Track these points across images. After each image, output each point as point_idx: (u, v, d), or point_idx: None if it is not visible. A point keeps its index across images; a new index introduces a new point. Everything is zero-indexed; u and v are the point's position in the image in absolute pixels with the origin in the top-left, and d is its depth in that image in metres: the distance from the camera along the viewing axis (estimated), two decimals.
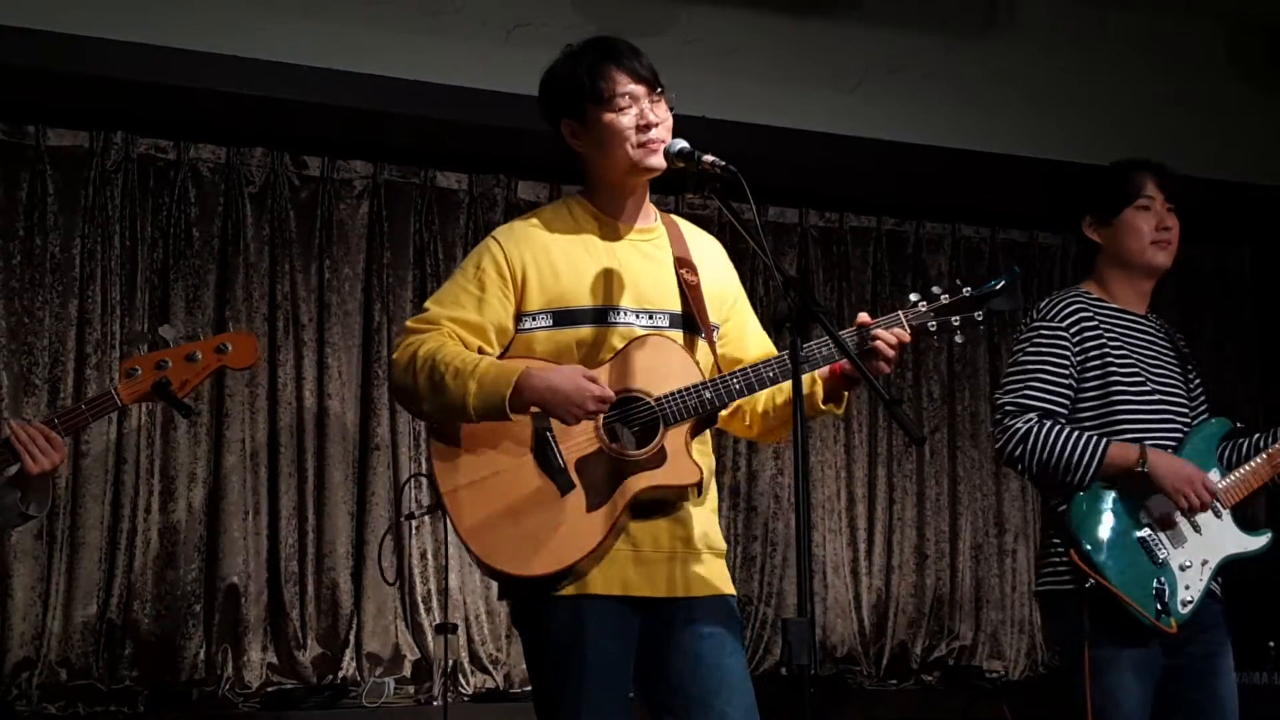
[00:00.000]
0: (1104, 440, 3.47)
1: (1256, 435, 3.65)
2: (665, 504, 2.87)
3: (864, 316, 2.91)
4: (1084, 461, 3.45)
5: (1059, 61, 6.22)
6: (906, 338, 2.90)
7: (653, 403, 2.84)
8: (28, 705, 5.05)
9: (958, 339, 2.97)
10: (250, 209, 5.64)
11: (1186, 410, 3.64)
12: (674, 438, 2.83)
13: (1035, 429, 3.48)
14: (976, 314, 2.94)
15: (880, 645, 6.41)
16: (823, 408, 2.95)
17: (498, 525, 2.80)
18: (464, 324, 2.88)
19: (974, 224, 6.85)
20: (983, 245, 6.87)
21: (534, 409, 2.79)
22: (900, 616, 6.46)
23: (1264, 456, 3.60)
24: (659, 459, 2.82)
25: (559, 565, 2.77)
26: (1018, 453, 3.48)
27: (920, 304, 2.94)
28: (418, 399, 2.84)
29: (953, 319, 2.93)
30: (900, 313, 2.92)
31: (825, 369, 2.90)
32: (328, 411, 5.65)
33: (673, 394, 2.84)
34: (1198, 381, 3.73)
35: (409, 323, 2.94)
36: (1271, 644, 5.56)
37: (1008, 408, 3.53)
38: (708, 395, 2.84)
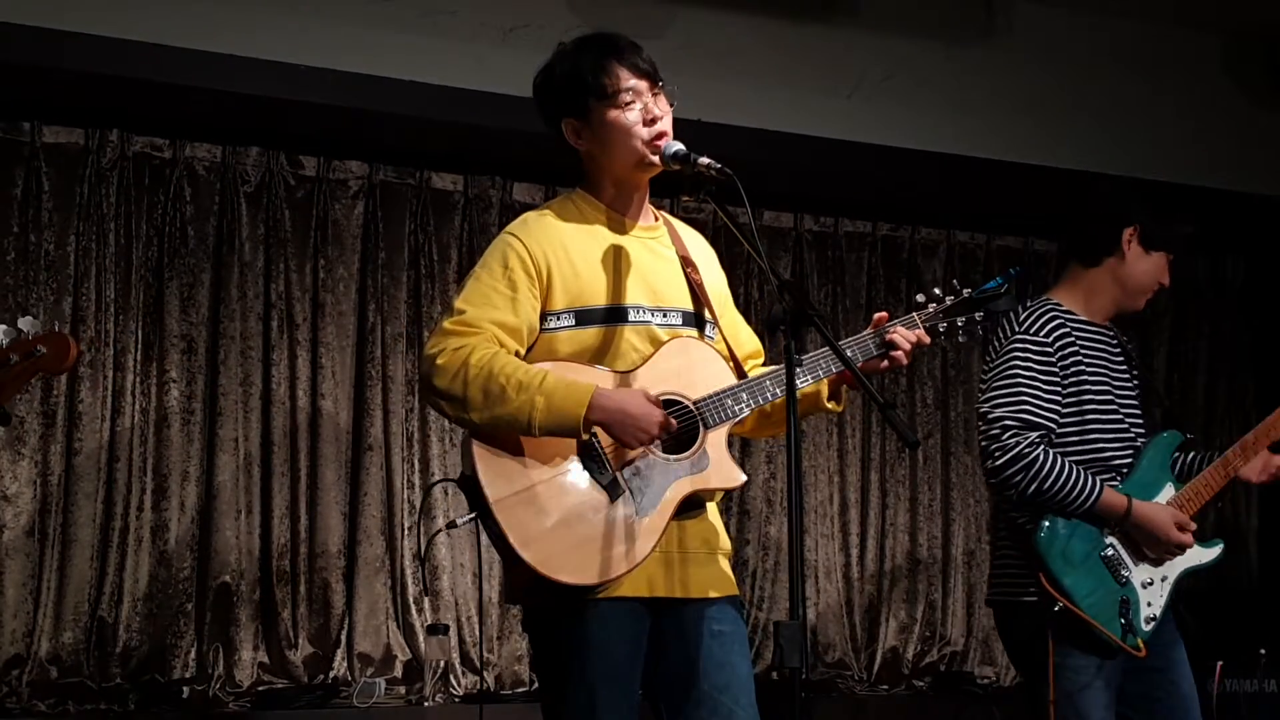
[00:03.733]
0: (1100, 486, 3.47)
1: (1208, 453, 3.70)
2: (693, 506, 2.88)
3: (882, 316, 2.94)
4: (1076, 504, 3.46)
5: (1055, 69, 6.24)
6: (926, 340, 2.94)
7: (691, 406, 2.84)
8: (17, 703, 5.04)
9: (961, 339, 3.01)
10: (245, 208, 5.64)
11: (1141, 420, 3.67)
12: (714, 441, 2.84)
13: (1042, 458, 3.44)
14: (977, 315, 2.97)
15: (872, 650, 6.42)
16: (827, 406, 2.98)
17: (551, 534, 2.76)
18: (503, 326, 2.84)
19: (969, 230, 6.86)
20: (978, 251, 6.87)
21: (597, 425, 2.77)
22: (892, 622, 6.47)
23: (1215, 467, 3.64)
24: (703, 462, 2.83)
25: (614, 573, 2.76)
26: (1017, 478, 3.44)
27: (929, 305, 2.99)
28: (468, 409, 2.77)
29: (956, 320, 2.97)
30: (915, 314, 2.98)
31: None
32: (321, 412, 5.65)
33: (711, 397, 2.84)
34: (1145, 392, 3.76)
35: (447, 324, 2.85)
36: (1262, 651, 5.57)
37: (1008, 422, 3.47)
38: (745, 398, 2.85)
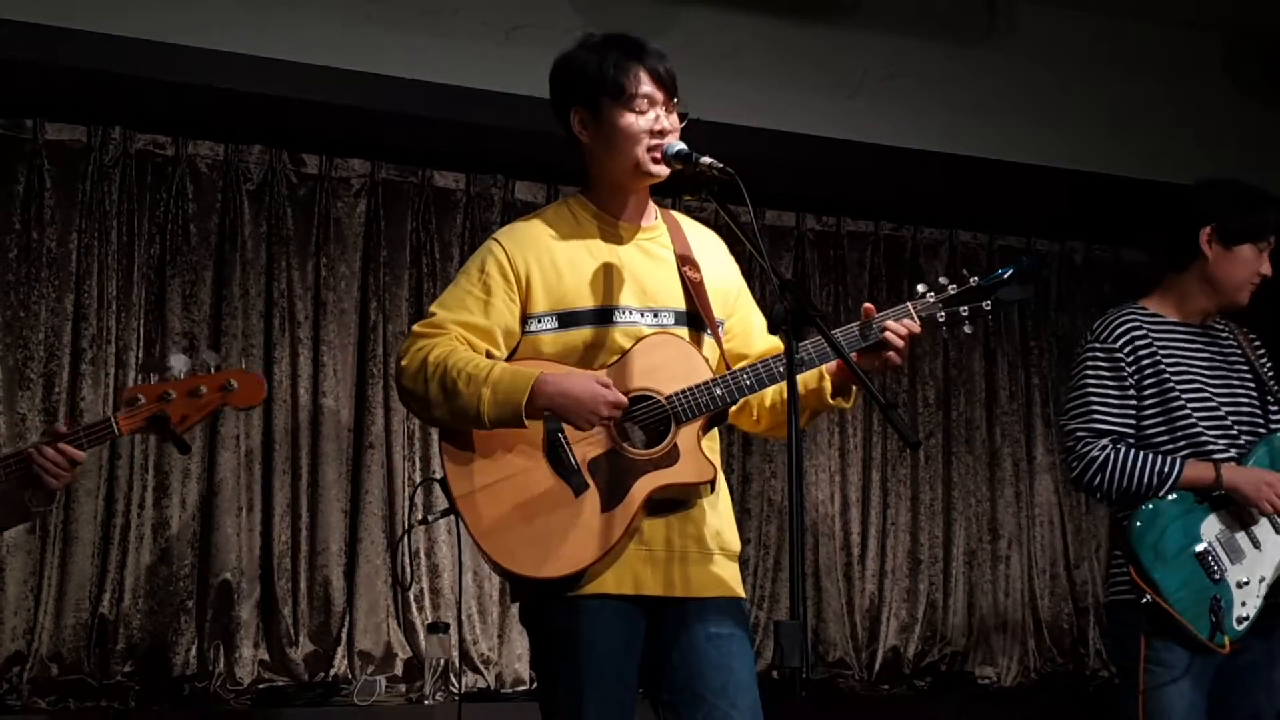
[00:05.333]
0: (1179, 461, 3.48)
1: None
2: (677, 503, 2.88)
3: (869, 308, 2.91)
4: (1163, 484, 3.47)
5: (1057, 69, 6.23)
6: (916, 328, 2.90)
7: (663, 401, 2.84)
8: (18, 700, 5.04)
9: (966, 329, 2.96)
10: (248, 206, 5.64)
11: (1260, 419, 3.64)
12: (686, 436, 2.85)
13: (1112, 456, 3.50)
14: (984, 304, 2.94)
15: (872, 650, 6.41)
16: (831, 402, 2.95)
17: (512, 528, 2.80)
18: (471, 328, 2.88)
19: (971, 230, 6.86)
20: (980, 251, 6.87)
21: (546, 412, 2.79)
22: (893, 621, 6.46)
23: None
24: (672, 457, 2.84)
25: (575, 567, 2.78)
26: (1096, 481, 3.52)
27: (928, 295, 2.95)
28: (429, 406, 2.84)
29: (961, 310, 2.94)
30: (909, 304, 2.94)
31: (833, 363, 2.91)
32: (322, 409, 5.65)
33: (684, 391, 2.84)
34: (1266, 393, 3.71)
35: (416, 328, 2.93)
36: None
37: (1079, 434, 3.56)
38: (719, 392, 2.85)
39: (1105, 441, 3.53)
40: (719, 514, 2.97)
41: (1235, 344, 3.72)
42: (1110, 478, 3.51)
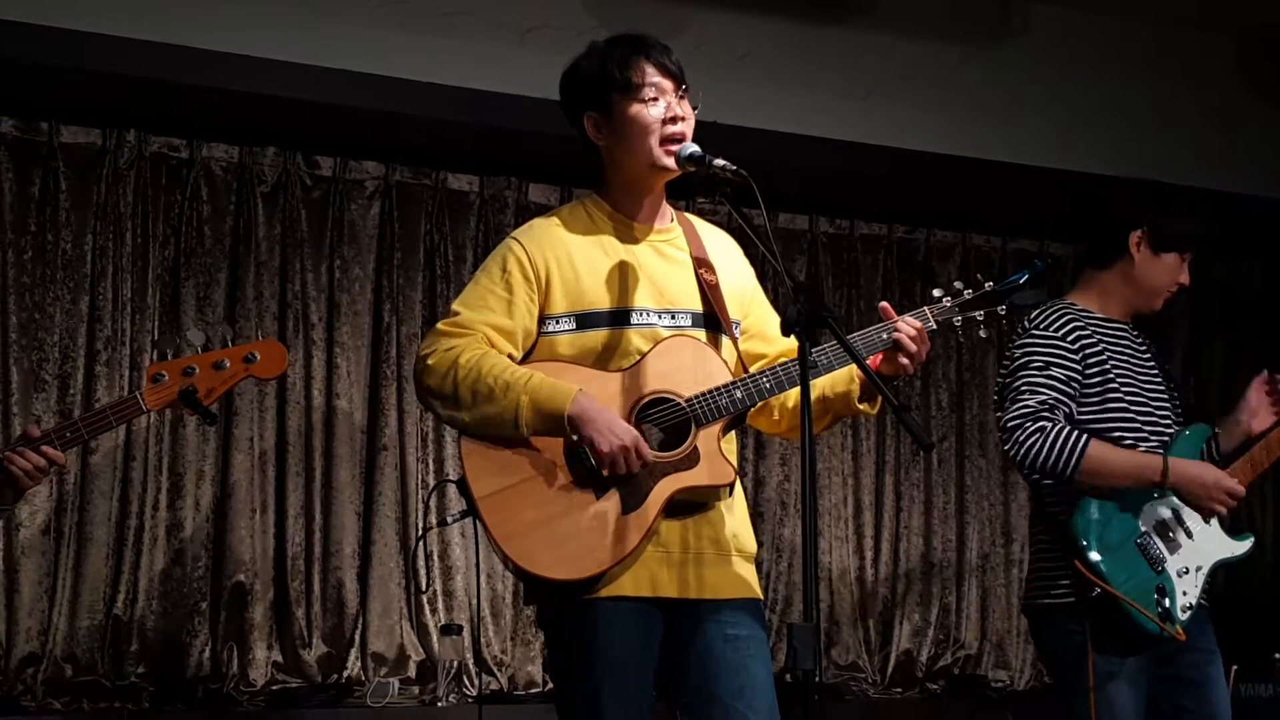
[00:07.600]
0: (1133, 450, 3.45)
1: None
2: (694, 505, 2.88)
3: (886, 307, 2.91)
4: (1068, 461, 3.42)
5: (1071, 72, 6.23)
6: (921, 329, 2.89)
7: (683, 403, 2.84)
8: (33, 701, 5.06)
9: (981, 333, 2.97)
10: (262, 208, 5.65)
11: (1170, 416, 3.65)
12: (706, 438, 2.84)
13: (1061, 429, 3.44)
14: (999, 308, 2.95)
15: (885, 653, 6.41)
16: (859, 407, 2.94)
17: (534, 530, 2.79)
18: (497, 328, 2.87)
19: (984, 233, 6.85)
20: (993, 254, 6.87)
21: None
22: (906, 625, 6.46)
23: (1244, 459, 3.63)
24: (692, 460, 2.83)
25: (596, 569, 2.77)
26: (1040, 452, 3.43)
27: (944, 299, 2.96)
28: (458, 408, 2.82)
29: (976, 314, 2.95)
30: (926, 309, 2.95)
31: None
32: (336, 411, 5.66)
33: (704, 394, 2.84)
34: (1174, 387, 3.75)
35: (441, 325, 2.91)
36: (1277, 656, 5.54)
37: (1023, 411, 3.48)
38: (739, 394, 2.85)
39: (1050, 416, 3.46)
40: (735, 516, 2.97)
41: (1145, 343, 3.73)
42: (1055, 450, 3.43)
